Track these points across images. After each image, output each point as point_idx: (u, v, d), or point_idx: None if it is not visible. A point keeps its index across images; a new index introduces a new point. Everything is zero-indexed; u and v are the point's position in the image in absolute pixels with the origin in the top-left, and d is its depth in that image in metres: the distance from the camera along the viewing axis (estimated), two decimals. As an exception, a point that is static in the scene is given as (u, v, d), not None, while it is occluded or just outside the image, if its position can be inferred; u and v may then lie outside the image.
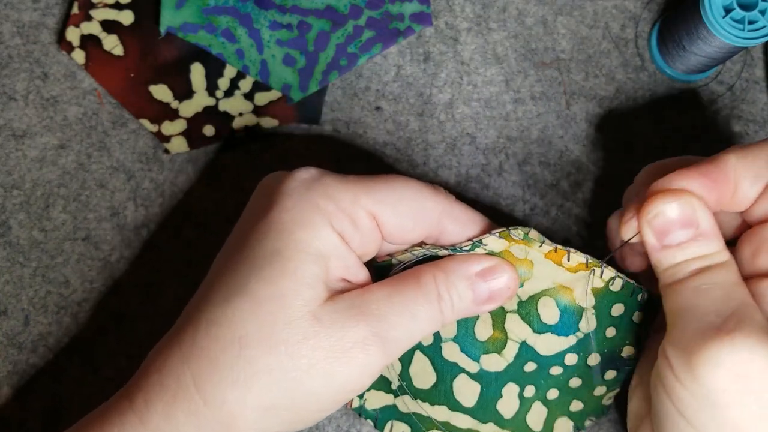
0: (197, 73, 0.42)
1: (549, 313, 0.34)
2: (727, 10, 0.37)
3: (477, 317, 0.34)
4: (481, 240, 0.32)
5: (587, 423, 0.36)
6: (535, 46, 0.43)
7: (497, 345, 0.34)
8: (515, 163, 0.42)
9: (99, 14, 0.42)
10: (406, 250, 0.33)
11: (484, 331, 0.34)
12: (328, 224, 0.30)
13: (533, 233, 0.32)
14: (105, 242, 0.41)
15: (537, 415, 0.35)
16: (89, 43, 0.42)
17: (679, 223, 0.28)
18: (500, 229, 0.32)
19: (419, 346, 0.35)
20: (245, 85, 0.42)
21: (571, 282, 0.33)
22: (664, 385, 0.28)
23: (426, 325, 0.31)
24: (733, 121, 0.43)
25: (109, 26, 0.42)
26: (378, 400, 0.35)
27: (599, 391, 0.35)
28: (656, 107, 0.43)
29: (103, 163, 0.42)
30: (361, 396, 0.36)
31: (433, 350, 0.35)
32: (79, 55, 0.42)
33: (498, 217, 0.41)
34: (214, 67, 0.42)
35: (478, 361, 0.35)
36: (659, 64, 0.42)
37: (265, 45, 0.42)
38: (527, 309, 0.34)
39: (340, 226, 0.30)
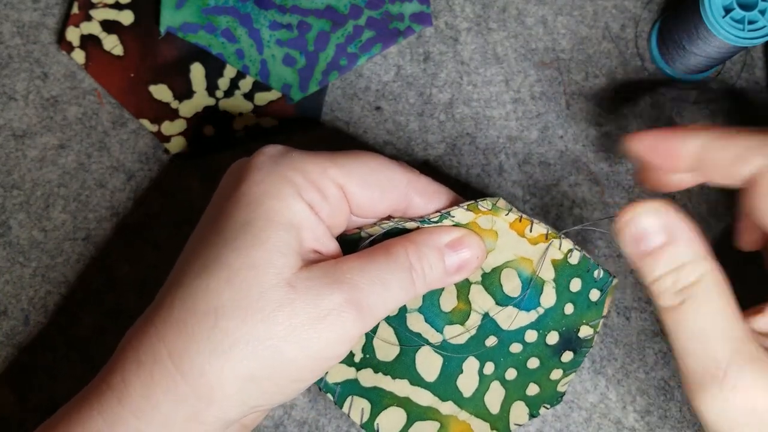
0: (197, 73, 0.42)
1: (511, 284, 0.34)
2: (727, 10, 0.37)
3: (442, 288, 0.35)
4: (449, 212, 0.33)
5: (541, 410, 0.36)
6: (535, 46, 0.43)
7: (461, 316, 0.35)
8: (515, 163, 0.42)
9: (99, 14, 0.42)
10: (374, 224, 0.33)
11: (448, 302, 0.35)
12: (298, 195, 0.30)
13: (501, 202, 0.33)
14: (105, 242, 0.41)
15: (495, 395, 0.36)
16: (89, 43, 0.42)
17: (652, 229, 0.29)
18: (468, 202, 0.33)
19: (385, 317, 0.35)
20: (245, 85, 0.42)
21: (532, 254, 0.34)
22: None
23: (399, 294, 0.31)
24: (733, 121, 0.43)
25: (109, 26, 0.42)
26: (340, 373, 0.36)
27: (556, 374, 0.36)
28: (656, 107, 0.43)
29: (103, 163, 0.42)
30: None
31: (398, 320, 0.35)
32: (79, 55, 0.42)
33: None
34: (214, 67, 0.42)
35: (441, 332, 0.35)
36: (659, 64, 0.42)
37: (265, 45, 0.42)
38: (491, 280, 0.34)
39: (309, 196, 0.31)
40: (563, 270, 0.34)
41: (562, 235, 0.33)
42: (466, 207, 0.33)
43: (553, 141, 0.42)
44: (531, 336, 0.35)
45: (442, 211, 0.33)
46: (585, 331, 0.35)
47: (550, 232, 0.33)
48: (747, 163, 0.30)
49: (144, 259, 0.41)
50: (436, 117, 0.42)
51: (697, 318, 0.28)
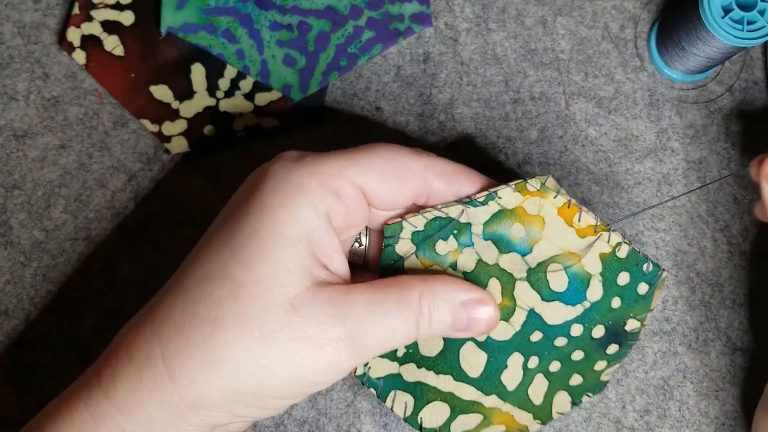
0: (198, 73, 0.42)
1: (558, 280, 0.34)
2: (726, 11, 0.37)
3: (487, 284, 0.34)
4: (496, 191, 0.32)
5: (584, 399, 0.36)
6: (534, 47, 0.43)
7: (506, 312, 0.34)
8: (515, 163, 0.42)
9: (100, 15, 0.42)
10: (417, 213, 0.33)
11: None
12: (309, 204, 0.30)
13: (550, 182, 0.32)
14: (106, 242, 0.41)
15: (538, 387, 0.36)
16: (90, 43, 0.42)
17: None
18: (517, 181, 0.32)
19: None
20: (245, 85, 0.42)
21: (579, 248, 0.33)
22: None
23: (400, 339, 0.31)
24: (733, 121, 0.43)
25: (109, 27, 0.42)
26: (382, 368, 0.35)
27: (600, 365, 0.35)
28: (655, 107, 0.43)
29: (104, 163, 0.42)
30: (365, 364, 0.36)
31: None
32: (79, 56, 0.42)
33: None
34: (214, 68, 0.42)
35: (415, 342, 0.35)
36: (658, 64, 0.43)
37: (265, 45, 0.42)
38: (536, 276, 0.34)
39: (324, 203, 0.30)
40: (611, 264, 0.33)
41: (611, 228, 0.33)
42: (514, 186, 0.32)
43: (553, 141, 0.42)
44: (577, 330, 0.35)
45: (490, 191, 0.32)
46: (632, 325, 0.34)
47: (599, 224, 0.33)
48: None
49: (144, 259, 0.41)
50: (436, 117, 0.42)
51: None
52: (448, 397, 0.35)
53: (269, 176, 0.31)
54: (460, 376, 0.35)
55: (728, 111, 0.43)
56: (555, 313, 0.34)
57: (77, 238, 0.41)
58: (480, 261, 0.34)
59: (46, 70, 0.42)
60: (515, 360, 0.35)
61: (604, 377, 0.36)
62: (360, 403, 0.40)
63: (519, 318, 0.34)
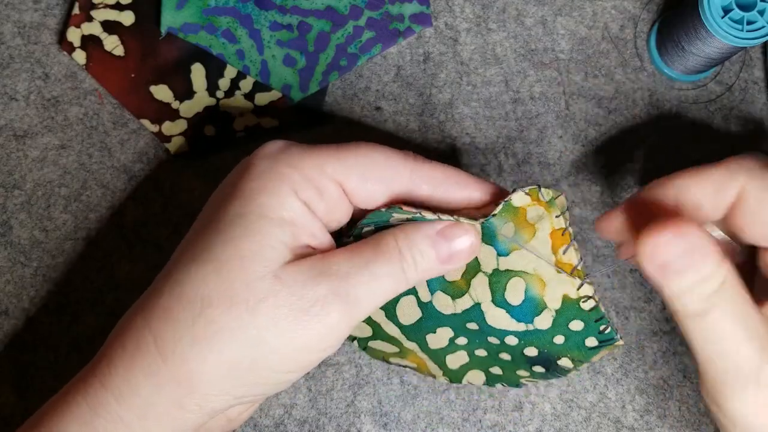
0: (198, 73, 0.42)
1: (515, 293, 0.34)
2: (726, 11, 0.37)
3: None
4: (510, 199, 0.32)
5: (498, 386, 0.37)
6: (534, 47, 0.43)
7: (456, 291, 0.35)
8: (515, 163, 0.42)
9: (100, 15, 0.42)
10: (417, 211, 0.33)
11: (453, 273, 0.35)
12: (293, 192, 0.30)
13: (561, 200, 0.32)
14: (105, 242, 0.41)
15: (458, 358, 0.36)
16: (90, 43, 0.42)
17: (676, 255, 0.28)
18: (531, 186, 0.32)
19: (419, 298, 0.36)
20: (246, 85, 0.42)
21: (550, 280, 0.33)
22: (713, 418, 0.29)
23: (388, 285, 0.31)
24: (732, 121, 0.43)
25: (109, 27, 0.42)
26: None
27: (522, 373, 0.36)
28: (655, 107, 0.43)
29: (104, 163, 0.42)
30: None
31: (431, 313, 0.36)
32: (79, 56, 0.42)
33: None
34: (214, 68, 0.42)
35: (432, 294, 0.35)
36: (658, 64, 0.43)
37: (265, 45, 0.42)
38: (498, 279, 0.34)
39: (305, 194, 0.31)
40: (570, 308, 0.33)
41: (587, 280, 0.32)
42: (527, 190, 0.32)
43: (552, 141, 0.42)
44: (511, 340, 0.35)
45: (505, 200, 0.31)
46: (565, 363, 0.35)
47: (579, 268, 0.32)
48: (728, 186, 0.30)
49: (145, 258, 0.41)
50: (436, 117, 0.42)
51: (723, 323, 0.28)
52: (374, 325, 0.36)
53: (253, 165, 0.31)
54: (391, 317, 0.36)
55: (728, 111, 0.43)
56: (497, 319, 0.34)
57: (77, 238, 0.41)
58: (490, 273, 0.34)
59: (46, 70, 0.42)
60: (445, 331, 0.36)
61: (523, 381, 0.37)
62: (360, 403, 0.40)
63: (464, 304, 0.35)
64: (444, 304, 0.35)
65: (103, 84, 0.42)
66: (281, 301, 0.29)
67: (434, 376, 0.38)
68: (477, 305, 0.34)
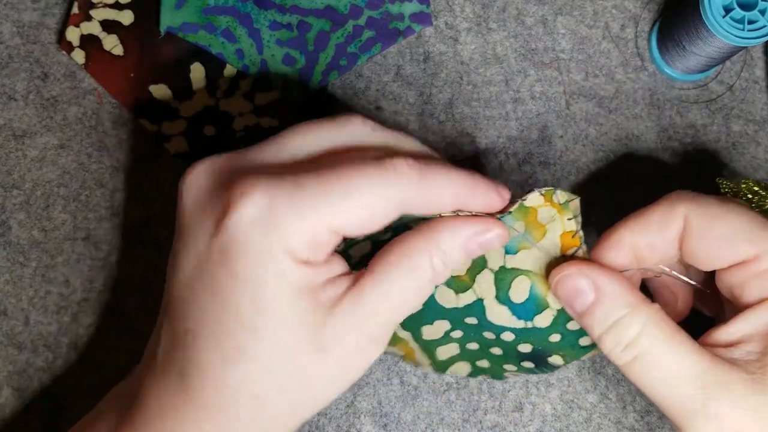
0: (197, 73, 0.42)
1: (519, 292, 0.34)
2: (727, 10, 0.37)
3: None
4: (525, 199, 0.31)
5: (481, 377, 0.37)
6: (534, 46, 0.43)
7: (460, 286, 0.35)
8: (515, 163, 0.42)
9: (99, 14, 0.42)
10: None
11: (459, 268, 0.34)
12: (292, 261, 0.28)
13: (574, 203, 0.32)
14: (105, 242, 0.41)
15: (448, 350, 0.36)
16: (89, 43, 0.42)
17: (580, 289, 0.29)
18: (547, 188, 0.31)
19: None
20: (245, 85, 0.42)
21: None
22: None
23: (420, 299, 0.30)
24: (733, 120, 0.43)
25: (109, 26, 0.42)
26: None
27: (509, 367, 0.36)
28: (656, 107, 0.43)
29: (103, 162, 0.42)
30: None
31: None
32: (79, 55, 0.42)
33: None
34: (214, 67, 0.42)
35: (435, 287, 0.34)
36: (659, 63, 0.42)
37: (265, 45, 0.42)
38: (504, 276, 0.34)
39: (304, 255, 0.28)
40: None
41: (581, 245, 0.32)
42: (543, 192, 0.31)
43: (553, 141, 0.42)
44: (507, 336, 0.35)
45: (520, 200, 0.31)
46: (555, 360, 0.35)
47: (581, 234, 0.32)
48: (672, 220, 0.30)
49: (144, 259, 0.41)
50: (436, 117, 0.42)
51: (655, 367, 0.28)
52: None
53: (241, 245, 0.27)
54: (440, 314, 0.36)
55: (728, 111, 0.43)
56: (498, 316, 0.34)
57: (77, 238, 0.41)
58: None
59: (45, 70, 0.42)
60: (442, 323, 0.36)
61: (507, 374, 0.37)
62: (360, 403, 0.40)
63: (467, 299, 0.35)
64: (447, 298, 0.35)
65: (102, 83, 0.42)
66: (330, 371, 0.29)
67: (419, 365, 0.38)
68: (479, 301, 0.34)
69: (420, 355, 0.37)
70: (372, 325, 0.29)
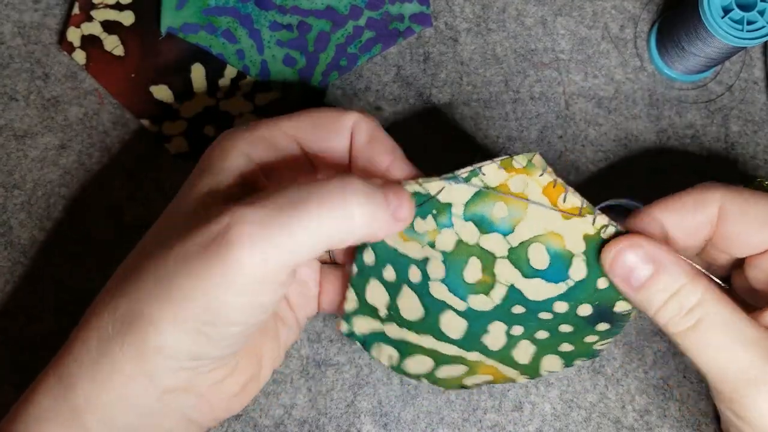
0: (198, 73, 0.42)
1: (539, 257, 0.33)
2: (726, 11, 0.37)
3: (467, 263, 0.34)
4: (480, 167, 0.31)
5: (577, 362, 0.36)
6: (534, 47, 0.43)
7: (485, 287, 0.34)
8: (515, 163, 0.42)
9: (100, 15, 0.42)
10: (417, 182, 0.32)
11: (472, 274, 0.34)
12: (240, 153, 0.31)
13: (537, 159, 0.32)
14: (106, 242, 0.41)
15: (524, 350, 0.36)
16: (90, 43, 0.42)
17: (637, 263, 0.29)
18: (503, 157, 0.31)
19: (407, 282, 0.35)
20: (246, 85, 0.42)
21: (563, 229, 0.32)
22: (727, 424, 0.30)
23: (332, 224, 0.28)
24: (732, 121, 0.43)
25: (109, 27, 0.42)
26: (366, 325, 0.36)
27: (590, 338, 0.35)
28: (655, 107, 0.43)
29: (104, 163, 0.42)
30: (349, 320, 0.35)
31: (421, 288, 0.35)
32: (79, 56, 0.42)
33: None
34: (214, 68, 0.42)
35: (465, 300, 0.35)
36: (658, 64, 0.43)
37: (265, 45, 0.42)
38: (517, 254, 0.33)
39: (256, 150, 0.31)
40: (595, 244, 0.32)
41: (598, 211, 0.32)
42: (499, 162, 0.31)
43: (552, 141, 0.42)
44: (561, 307, 0.34)
45: (474, 167, 0.31)
46: (621, 306, 0.33)
47: (585, 206, 0.32)
48: (707, 206, 0.30)
49: (145, 259, 0.41)
50: (436, 117, 0.42)
51: (716, 333, 0.28)
52: (430, 352, 0.36)
53: (214, 143, 0.32)
54: (441, 337, 0.35)
55: (728, 111, 0.43)
56: (536, 290, 0.34)
57: (77, 238, 0.41)
58: (460, 241, 0.33)
59: (46, 70, 0.42)
60: (497, 327, 0.35)
61: (597, 347, 0.35)
62: (360, 403, 0.40)
63: (499, 293, 0.34)
64: (481, 302, 0.34)
65: (103, 84, 0.42)
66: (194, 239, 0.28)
67: (514, 380, 0.36)
68: (511, 287, 0.34)
69: (504, 369, 0.36)
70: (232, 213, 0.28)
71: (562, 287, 0.33)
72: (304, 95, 0.42)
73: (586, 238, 0.32)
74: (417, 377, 0.36)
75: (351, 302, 0.35)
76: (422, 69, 0.43)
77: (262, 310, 0.28)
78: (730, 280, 0.33)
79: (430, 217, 0.32)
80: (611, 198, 0.42)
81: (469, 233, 0.33)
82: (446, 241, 0.33)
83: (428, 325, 0.35)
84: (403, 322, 0.35)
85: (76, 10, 0.42)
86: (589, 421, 0.40)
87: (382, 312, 0.35)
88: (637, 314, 0.34)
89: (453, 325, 0.35)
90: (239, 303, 0.27)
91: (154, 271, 0.28)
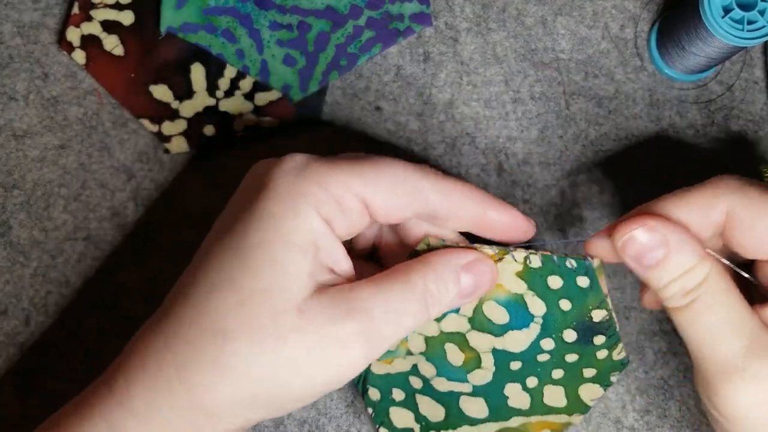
0: (197, 73, 0.42)
1: (497, 313, 0.34)
2: (727, 10, 0.37)
3: (444, 351, 0.35)
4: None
5: (613, 379, 0.36)
6: (534, 46, 0.43)
7: (474, 363, 0.35)
8: (515, 163, 0.42)
9: (99, 14, 0.42)
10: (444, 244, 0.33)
11: (456, 357, 0.35)
12: (315, 212, 0.30)
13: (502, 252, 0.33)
14: (105, 242, 0.41)
15: (554, 394, 0.36)
16: (90, 43, 0.42)
17: (651, 245, 0.29)
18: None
19: (415, 391, 0.37)
20: (245, 85, 0.42)
21: (501, 273, 0.33)
22: (705, 411, 0.30)
23: (412, 322, 0.31)
24: (733, 120, 0.43)
25: (109, 26, 0.42)
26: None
27: (601, 354, 0.35)
28: (655, 107, 0.43)
29: (104, 163, 0.42)
30: (380, 422, 0.38)
31: (428, 390, 0.36)
32: (79, 56, 0.42)
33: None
34: (214, 68, 0.42)
35: (467, 381, 0.36)
36: (658, 64, 0.43)
37: (265, 45, 0.42)
38: (478, 321, 0.34)
39: (327, 211, 0.30)
40: (531, 276, 0.33)
41: (511, 250, 0.32)
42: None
43: (553, 141, 0.42)
44: (548, 344, 0.35)
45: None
46: (598, 315, 0.34)
47: (498, 250, 0.33)
48: (715, 206, 0.30)
49: (144, 259, 0.41)
50: (436, 117, 0.42)
51: (709, 314, 0.29)
52: None
53: (273, 183, 0.30)
54: (473, 421, 0.37)
55: (728, 111, 0.43)
56: (516, 342, 0.34)
57: (77, 238, 0.41)
58: (427, 338, 0.35)
59: (46, 70, 0.42)
60: (513, 388, 0.36)
61: (618, 357, 0.35)
62: (360, 403, 0.40)
63: (488, 360, 0.35)
64: (480, 376, 0.36)
65: (102, 84, 0.42)
66: (305, 338, 0.29)
67: (571, 423, 0.37)
68: (493, 350, 0.35)
69: (554, 417, 0.37)
70: (358, 319, 0.29)
71: (535, 328, 0.34)
72: (304, 95, 0.42)
73: (519, 275, 0.33)
74: None
75: None
76: (422, 69, 0.43)
77: None
78: (752, 270, 0.33)
79: None
80: (609, 200, 0.42)
81: (429, 328, 0.35)
82: (416, 344, 0.35)
83: (455, 417, 0.36)
84: (437, 425, 0.37)
85: (75, 10, 0.42)
86: (589, 422, 0.40)
87: (417, 428, 0.37)
88: (615, 315, 0.35)
89: (474, 407, 0.36)
90: (331, 389, 0.31)
91: (243, 356, 0.29)
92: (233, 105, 0.42)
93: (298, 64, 0.42)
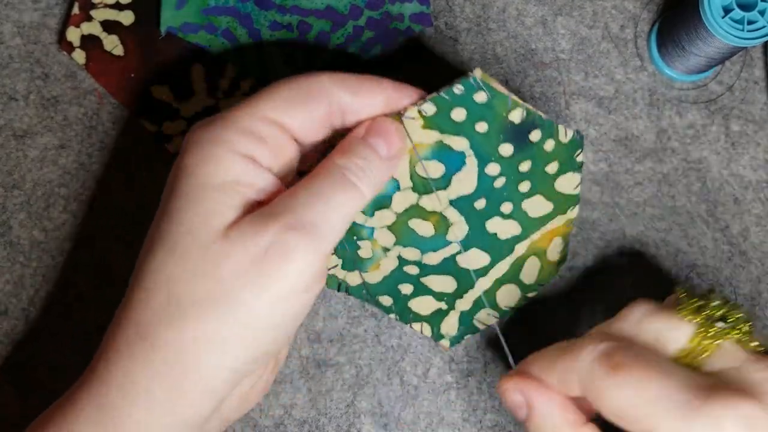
0: (198, 73, 0.42)
1: (432, 168, 0.34)
2: (727, 11, 0.37)
3: (412, 230, 0.36)
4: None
5: (580, 159, 0.36)
6: (534, 47, 0.43)
7: (443, 223, 0.36)
8: (515, 163, 0.42)
9: (99, 14, 0.42)
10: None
11: (426, 228, 0.36)
12: (230, 153, 0.30)
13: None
14: (105, 242, 0.41)
15: (535, 204, 0.37)
16: (90, 43, 0.42)
17: (517, 403, 0.32)
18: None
19: (416, 276, 0.38)
20: (245, 85, 0.42)
21: (422, 137, 0.33)
22: None
23: (343, 201, 0.30)
24: (733, 121, 0.43)
25: (109, 26, 0.42)
26: (425, 306, 0.39)
27: (549, 145, 0.35)
28: (655, 107, 0.43)
29: (104, 163, 0.42)
30: (439, 337, 0.39)
31: (425, 269, 0.37)
32: (79, 56, 0.42)
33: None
34: (214, 68, 0.42)
35: (451, 242, 0.37)
36: (658, 64, 0.43)
37: (265, 45, 0.42)
38: (420, 184, 0.34)
39: (244, 147, 0.30)
40: (436, 121, 0.33)
41: (401, 111, 0.32)
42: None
43: (552, 141, 0.42)
44: (493, 169, 0.35)
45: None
46: (516, 116, 0.34)
47: (396, 115, 0.33)
48: (570, 381, 0.31)
49: (144, 259, 0.41)
50: (436, 117, 0.42)
51: None
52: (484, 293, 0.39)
53: (189, 140, 0.31)
54: (482, 272, 0.38)
55: (728, 111, 0.43)
56: (464, 183, 0.35)
57: (77, 238, 0.41)
58: (389, 227, 0.36)
59: (46, 70, 0.42)
60: (494, 223, 0.37)
61: (566, 139, 0.36)
62: (360, 403, 0.40)
63: (453, 214, 0.36)
64: (458, 230, 0.36)
65: (102, 84, 0.42)
66: (237, 258, 0.28)
67: (569, 221, 0.38)
68: (451, 202, 0.35)
69: (552, 223, 0.37)
70: (281, 219, 0.29)
71: (471, 162, 0.35)
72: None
73: (426, 126, 0.33)
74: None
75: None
76: (422, 69, 0.43)
77: (307, 309, 0.31)
78: None
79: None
80: (609, 200, 0.42)
81: (385, 218, 0.35)
82: (385, 238, 0.36)
83: (464, 277, 0.38)
84: (458, 293, 0.38)
85: (75, 10, 0.42)
86: (589, 422, 0.40)
87: (443, 305, 0.39)
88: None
89: (474, 259, 0.37)
90: (306, 300, 0.30)
91: (187, 298, 0.29)
92: (233, 105, 0.42)
93: (298, 64, 0.42)
